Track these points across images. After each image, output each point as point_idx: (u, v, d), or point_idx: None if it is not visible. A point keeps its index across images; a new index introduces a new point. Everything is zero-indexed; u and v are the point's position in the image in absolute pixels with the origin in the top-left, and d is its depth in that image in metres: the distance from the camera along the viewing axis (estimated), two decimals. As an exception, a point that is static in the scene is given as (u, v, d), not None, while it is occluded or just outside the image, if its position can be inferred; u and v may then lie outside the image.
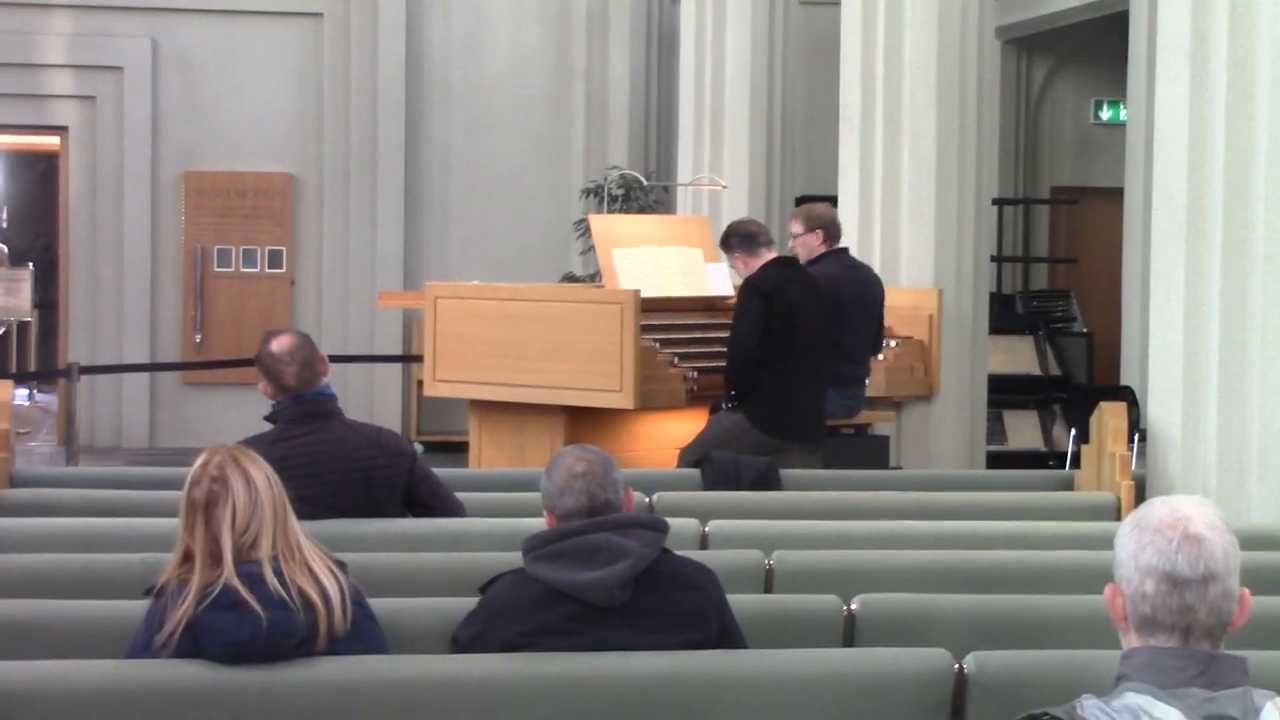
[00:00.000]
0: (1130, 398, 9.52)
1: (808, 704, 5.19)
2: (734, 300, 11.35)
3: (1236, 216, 8.57)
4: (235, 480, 5.34)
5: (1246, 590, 3.93)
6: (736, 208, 16.48)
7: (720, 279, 12.42)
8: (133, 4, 21.29)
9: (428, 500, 7.90)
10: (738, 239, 11.49)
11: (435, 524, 7.76)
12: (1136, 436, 9.21)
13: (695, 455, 10.43)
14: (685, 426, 11.38)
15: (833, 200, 14.43)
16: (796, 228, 12.23)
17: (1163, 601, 3.85)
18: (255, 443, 7.53)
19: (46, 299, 23.60)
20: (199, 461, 5.45)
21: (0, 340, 24.47)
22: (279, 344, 7.91)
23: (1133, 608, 3.89)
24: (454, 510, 7.99)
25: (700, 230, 12.77)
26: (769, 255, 11.33)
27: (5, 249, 25.05)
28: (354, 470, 7.71)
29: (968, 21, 13.59)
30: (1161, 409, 8.92)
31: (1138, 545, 3.90)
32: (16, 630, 5.85)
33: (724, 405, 11.31)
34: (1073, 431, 14.98)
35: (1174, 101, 8.87)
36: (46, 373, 22.34)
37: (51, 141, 22.32)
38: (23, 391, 22.25)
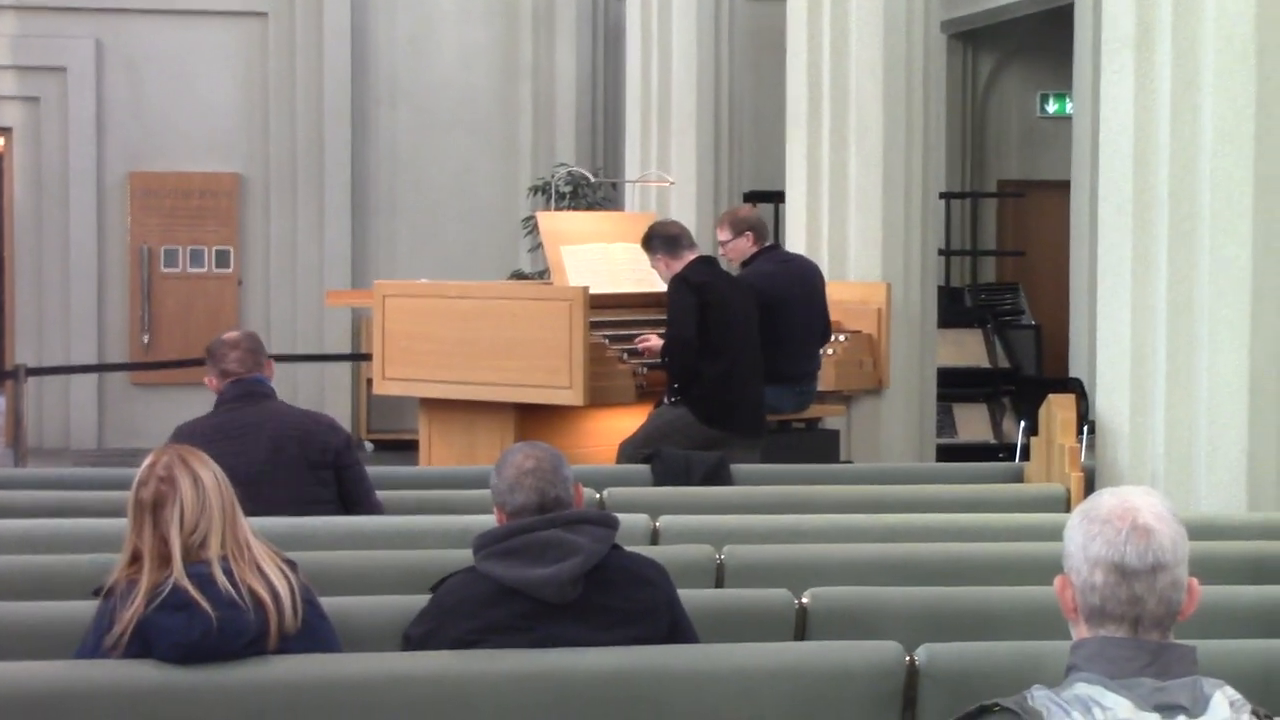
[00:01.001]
0: (1079, 390, 9.58)
1: (760, 698, 5.19)
2: (668, 295, 11.36)
3: (1183, 209, 8.60)
4: (183, 480, 5.33)
5: (1195, 580, 3.94)
6: (684, 204, 16.53)
7: (669, 275, 12.47)
8: (77, 4, 21.27)
9: (351, 489, 8.04)
10: (660, 240, 11.53)
11: (386, 521, 7.80)
12: (1085, 428, 9.25)
13: (637, 448, 10.52)
14: (634, 423, 11.41)
15: (780, 196, 14.50)
16: (724, 234, 12.29)
17: (1112, 592, 3.86)
18: (195, 421, 7.67)
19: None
20: (147, 462, 5.45)
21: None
22: (228, 334, 8.30)
23: (1082, 599, 3.90)
24: (374, 508, 8.12)
25: (641, 227, 12.78)
26: (691, 257, 11.36)
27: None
28: (288, 431, 7.92)
29: (913, 16, 13.62)
30: (1110, 400, 8.95)
31: (1086, 536, 3.90)
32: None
33: (666, 399, 11.35)
34: (1022, 424, 14.99)
35: (1119, 94, 8.89)
36: (-2, 375, 22.24)
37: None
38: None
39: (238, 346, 8.01)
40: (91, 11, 21.32)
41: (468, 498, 8.13)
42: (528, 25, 22.13)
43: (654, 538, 7.48)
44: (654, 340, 11.63)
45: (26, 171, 21.55)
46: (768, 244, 12.50)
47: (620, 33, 19.77)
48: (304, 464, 7.76)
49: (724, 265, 11.86)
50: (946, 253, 19.06)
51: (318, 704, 5.12)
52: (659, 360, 11.54)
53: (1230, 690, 3.85)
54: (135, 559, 5.30)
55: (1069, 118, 18.82)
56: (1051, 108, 22.05)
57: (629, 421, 11.46)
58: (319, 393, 20.10)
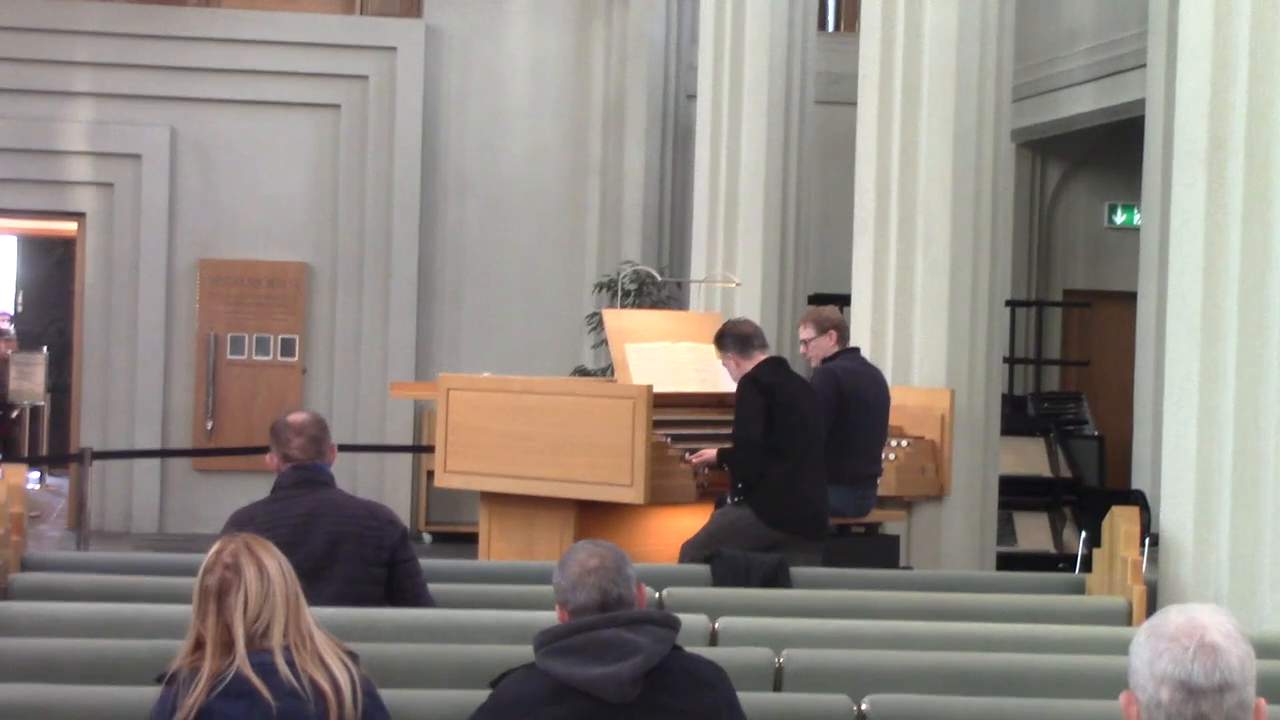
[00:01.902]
0: (1142, 502, 9.51)
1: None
2: (736, 395, 11.34)
3: (1252, 322, 8.56)
4: (248, 568, 5.35)
5: (1263, 700, 3.92)
6: (749, 305, 16.50)
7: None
8: (153, 93, 21.36)
9: (405, 583, 7.99)
10: (732, 339, 11.51)
11: (446, 615, 7.78)
12: (1148, 541, 9.19)
13: (700, 549, 10.47)
14: (695, 522, 11.37)
15: (846, 299, 14.48)
16: (808, 332, 12.30)
17: (1178, 710, 3.84)
18: (252, 507, 7.67)
19: (60, 383, 23.63)
20: (213, 549, 5.46)
21: (13, 423, 24.51)
22: (294, 416, 8.22)
23: (1148, 716, 3.88)
24: (424, 601, 8.07)
25: (713, 327, 12.77)
26: (761, 357, 11.35)
27: (13, 331, 25.10)
28: (348, 525, 7.85)
29: (984, 124, 13.61)
30: (1174, 514, 8.89)
31: (1153, 653, 3.89)
32: (27, 715, 5.84)
33: (730, 499, 11.32)
34: (1083, 535, 14.96)
35: (1190, 207, 8.86)
36: (59, 457, 22.35)
37: (69, 227, 22.34)
38: (34, 475, 22.25)
39: (302, 433, 7.98)
40: (166, 100, 21.42)
41: (526, 593, 8.12)
42: (598, 124, 22.17)
43: (713, 639, 7.46)
44: (708, 453, 11.62)
45: (98, 256, 21.61)
46: (850, 346, 12.52)
47: (690, 133, 19.77)
48: (359, 559, 7.73)
49: (800, 365, 11.82)
50: (1011, 360, 18.99)
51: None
52: (718, 465, 11.54)
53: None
54: (198, 646, 5.31)
55: (1137, 229, 18.79)
56: (1120, 218, 22.01)
57: (689, 521, 11.43)
58: (379, 482, 20.09)
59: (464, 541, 13.47)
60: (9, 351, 23.75)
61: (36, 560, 9.51)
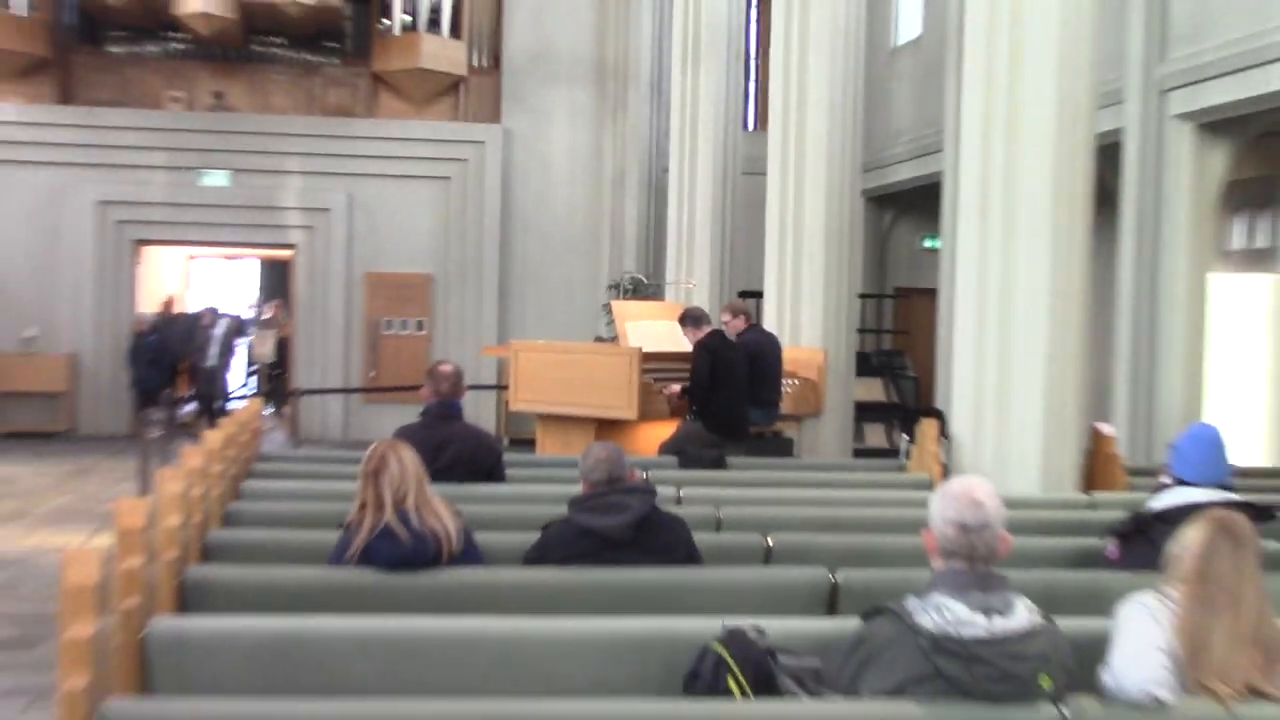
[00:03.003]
0: (940, 416, 9.50)
1: (741, 600, 5.18)
2: (692, 354, 11.37)
3: (1006, 308, 8.59)
4: (392, 459, 5.39)
5: (1007, 534, 3.95)
6: (701, 297, 16.53)
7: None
8: (336, 170, 21.33)
9: (494, 479, 7.95)
10: (690, 319, 11.73)
11: (516, 488, 7.80)
12: (943, 439, 9.19)
13: (671, 448, 10.50)
14: (667, 431, 11.39)
15: (760, 294, 14.47)
16: (726, 317, 12.37)
17: (957, 541, 3.87)
18: (409, 427, 7.65)
19: (282, 349, 23.60)
20: (372, 447, 5.50)
21: (254, 374, 24.56)
22: (445, 366, 8.12)
23: (939, 545, 3.91)
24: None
25: (679, 311, 12.74)
26: (708, 330, 11.44)
27: (281, 316, 25.05)
28: (464, 450, 7.80)
29: (845, 186, 13.59)
30: (959, 424, 8.92)
31: (943, 506, 3.93)
32: (266, 547, 5.89)
33: (688, 417, 11.37)
34: (904, 438, 14.92)
35: (968, 236, 8.87)
36: (284, 394, 22.34)
37: (287, 253, 22.34)
38: (267, 407, 22.27)
39: (449, 379, 7.98)
40: (345, 175, 21.39)
41: (564, 474, 8.12)
42: (608, 187, 22.18)
43: (679, 501, 7.48)
44: (675, 388, 11.65)
45: (305, 271, 21.64)
46: (753, 323, 12.57)
47: (664, 192, 19.77)
48: (469, 473, 7.71)
49: (727, 335, 11.83)
50: (862, 330, 18.97)
51: (470, 599, 5.11)
52: (681, 394, 11.57)
53: (1027, 600, 3.86)
54: (363, 506, 5.34)
55: (936, 250, 18.74)
56: (927, 244, 21.94)
57: (664, 430, 11.43)
58: (477, 409, 20.08)
59: (527, 445, 13.43)
60: (280, 332, 23.79)
61: (268, 455, 9.57)
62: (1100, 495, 8.33)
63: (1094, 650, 4.02)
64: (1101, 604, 4.58)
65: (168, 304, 22.58)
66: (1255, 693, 3.86)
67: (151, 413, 16.16)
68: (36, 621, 9.19)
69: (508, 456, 8.78)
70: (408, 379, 19.58)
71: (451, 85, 21.75)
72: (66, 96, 21.15)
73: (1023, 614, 3.81)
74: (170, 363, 20.85)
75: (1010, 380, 8.60)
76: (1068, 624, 4.04)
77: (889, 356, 21.16)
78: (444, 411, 7.91)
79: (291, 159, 21.36)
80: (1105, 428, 9.40)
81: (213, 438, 7.33)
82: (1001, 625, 3.76)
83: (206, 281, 26.48)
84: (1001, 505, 3.95)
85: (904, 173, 19.59)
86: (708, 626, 4.25)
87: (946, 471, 8.82)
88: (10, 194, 20.86)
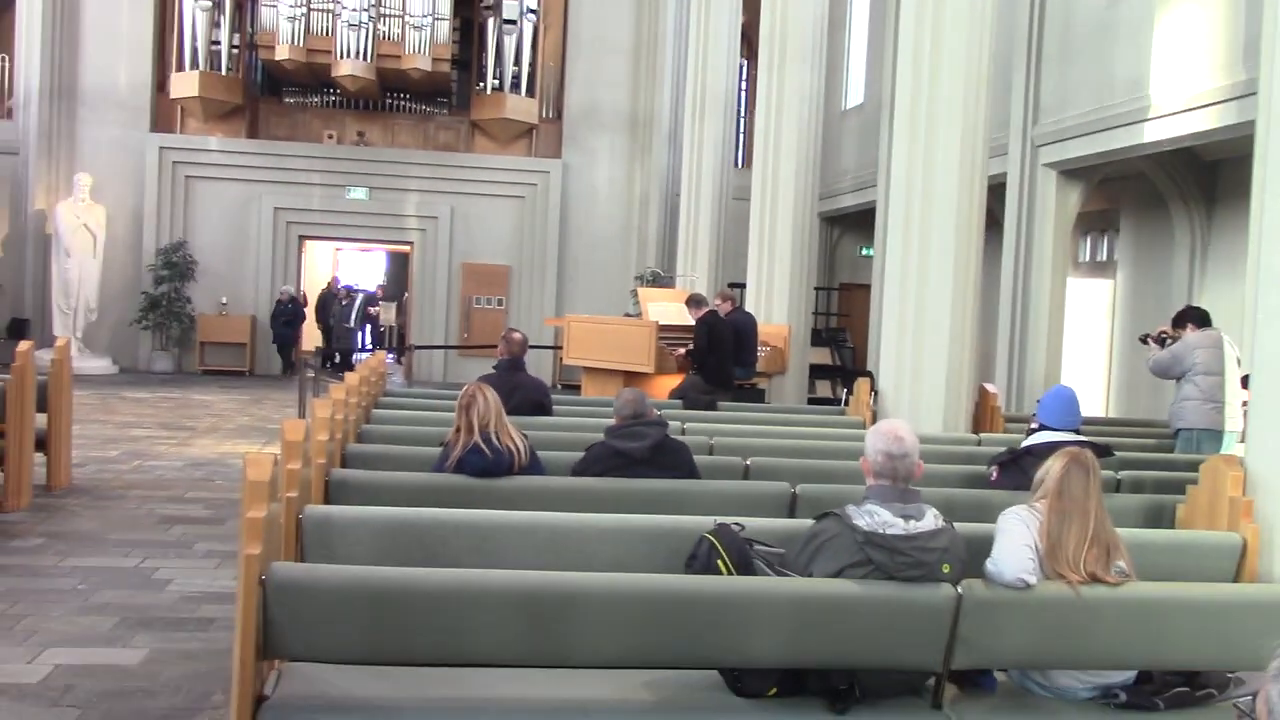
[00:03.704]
0: (871, 376, 9.45)
1: (726, 505, 5.14)
2: (694, 327, 11.31)
3: (920, 300, 8.51)
4: (479, 396, 5.34)
5: (921, 461, 3.90)
6: (701, 285, 16.44)
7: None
8: (443, 190, 21.28)
9: (548, 411, 7.87)
10: (693, 301, 11.69)
11: (565, 419, 7.75)
12: (873, 393, 9.14)
13: (678, 394, 10.46)
14: (674, 382, 11.35)
15: (744, 285, 14.38)
16: (719, 300, 12.26)
17: (884, 465, 3.82)
18: (489, 375, 7.63)
19: (400, 317, 23.62)
20: (465, 388, 5.45)
21: (384, 334, 24.60)
22: (518, 334, 8.01)
23: (871, 468, 3.86)
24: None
25: (685, 296, 12.69)
26: (706, 310, 11.36)
27: (379, 294, 25.05)
28: (528, 391, 7.77)
29: (806, 209, 13.53)
30: (885, 381, 8.86)
31: (874, 439, 3.87)
32: (388, 457, 5.86)
33: (690, 372, 11.31)
34: (845, 391, 14.87)
35: (894, 246, 8.79)
36: (402, 348, 22.34)
37: (406, 247, 22.31)
38: (390, 357, 22.27)
39: (517, 342, 7.92)
40: (449, 194, 21.32)
41: (602, 410, 8.09)
42: (636, 205, 22.08)
43: (683, 432, 7.44)
44: (680, 350, 11.60)
45: (419, 261, 21.57)
46: (737, 305, 12.49)
47: (676, 209, 19.68)
48: (532, 403, 7.67)
49: (720, 314, 11.76)
50: (816, 313, 18.89)
51: (535, 499, 5.08)
52: (686, 356, 11.52)
53: (934, 509, 3.82)
54: (458, 430, 5.29)
55: (870, 257, 18.62)
56: (865, 252, 21.80)
57: (673, 381, 11.40)
58: (539, 362, 20.10)
59: (574, 389, 13.44)
60: (376, 310, 23.81)
61: (391, 390, 9.54)
62: (985, 435, 8.26)
63: (981, 547, 3.97)
64: (986, 514, 4.54)
65: (330, 283, 22.65)
66: (1096, 580, 3.84)
67: (306, 358, 16.17)
68: (225, 505, 9.21)
69: (560, 397, 8.77)
70: (489, 340, 19.52)
71: (526, 130, 21.62)
72: (254, 132, 21.16)
73: (931, 519, 3.76)
74: (299, 324, 20.92)
75: (922, 351, 8.54)
76: (962, 528, 3.99)
77: (835, 332, 21.05)
78: (514, 364, 7.89)
79: (411, 181, 21.27)
80: (990, 386, 9.33)
81: (350, 378, 7.30)
82: (916, 527, 3.72)
83: (348, 266, 26.49)
84: (916, 440, 3.90)
85: (849, 200, 19.45)
86: (702, 523, 4.22)
87: (875, 416, 8.77)
88: (214, 202, 20.91)
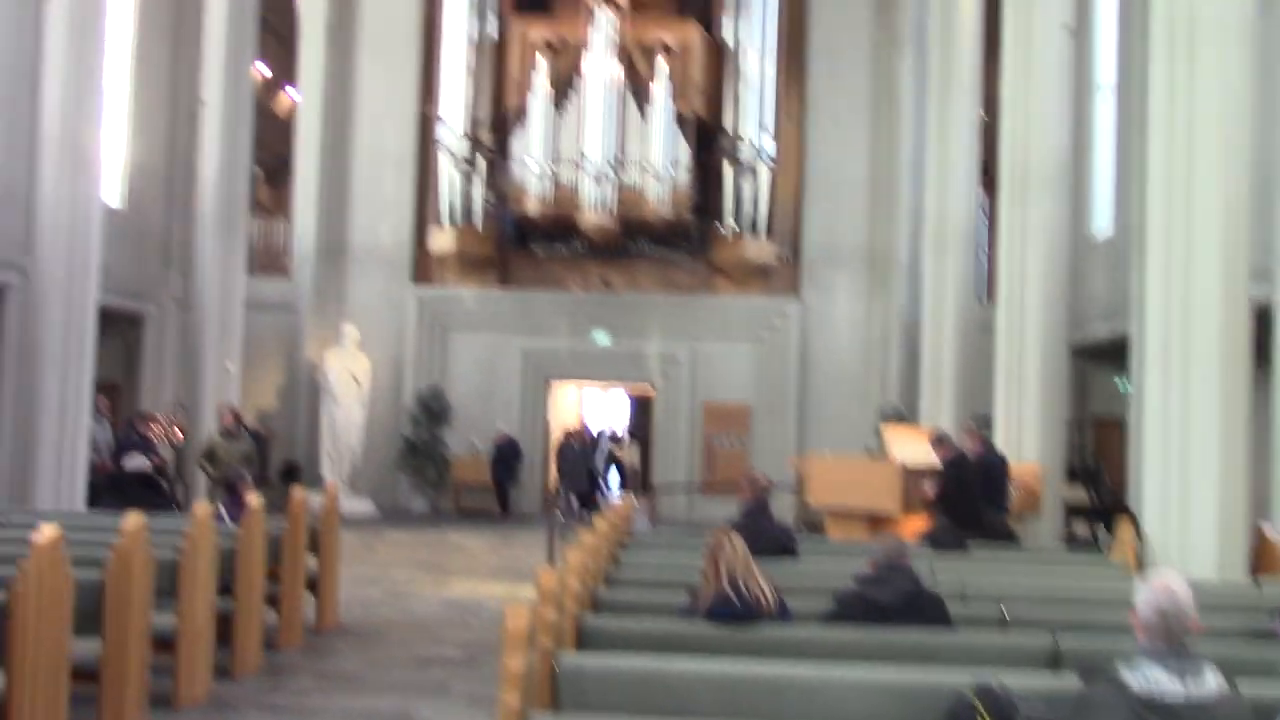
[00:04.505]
0: (1133, 516, 9.00)
1: (982, 657, 4.91)
2: (942, 469, 11.06)
3: (1185, 436, 8.11)
4: (726, 543, 5.37)
5: (1197, 617, 3.69)
6: (944, 420, 16.09)
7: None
8: (684, 331, 21.69)
9: (793, 554, 7.81)
10: (938, 440, 11.42)
11: (810, 564, 7.64)
12: (1138, 535, 8.69)
13: (928, 538, 10.16)
14: (922, 523, 11.08)
15: (990, 420, 14.00)
16: (967, 439, 11.93)
17: (1158, 623, 3.63)
18: (735, 520, 7.63)
19: (645, 455, 23.92)
20: (712, 536, 5.49)
21: (628, 474, 24.97)
22: (761, 478, 8.13)
23: (1143, 624, 3.67)
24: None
25: (931, 434, 12.44)
26: (952, 450, 11.09)
27: (627, 439, 25.39)
28: (774, 536, 7.73)
29: (1056, 341, 13.09)
30: (1149, 522, 8.43)
31: (1146, 595, 3.70)
32: (637, 603, 5.92)
33: (938, 515, 11.02)
34: (1105, 533, 14.18)
35: (1152, 380, 8.41)
36: (645, 487, 22.63)
37: (648, 387, 22.67)
38: (631, 496, 22.56)
39: (762, 486, 7.94)
40: (690, 335, 21.73)
41: (849, 555, 7.94)
42: (876, 341, 21.81)
43: (934, 577, 7.20)
44: (929, 490, 11.33)
45: (662, 401, 21.85)
46: (985, 441, 12.14)
47: (916, 344, 19.32)
48: (778, 548, 7.62)
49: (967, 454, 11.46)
50: (1069, 448, 18.12)
51: (783, 648, 5.04)
52: (932, 498, 11.25)
53: (1214, 667, 3.59)
54: (706, 577, 5.33)
55: (1127, 389, 17.84)
56: (1120, 385, 20.73)
57: (921, 523, 11.14)
58: (781, 500, 19.89)
59: (818, 530, 13.26)
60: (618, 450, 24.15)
61: (636, 533, 9.66)
62: (1266, 581, 7.70)
63: (1268, 712, 3.69)
64: (1271, 672, 4.22)
65: (577, 425, 23.29)
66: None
67: (558, 502, 16.59)
68: (479, 647, 9.45)
69: (805, 541, 8.67)
70: (732, 480, 19.50)
71: (765, 271, 21.91)
72: (504, 281, 22.21)
73: (1212, 681, 3.54)
74: (518, 465, 21.37)
75: (1189, 490, 8.12)
76: (1244, 689, 3.73)
77: (1090, 470, 20.07)
78: (759, 508, 7.90)
79: (653, 323, 21.81)
80: (1268, 527, 8.72)
81: (599, 523, 7.46)
82: (1196, 690, 3.50)
83: (592, 406, 27.17)
84: (1190, 594, 3.69)
85: (1100, 330, 18.68)
86: (958, 678, 4.08)
87: (1139, 559, 8.32)
88: (467, 348, 22.02)
